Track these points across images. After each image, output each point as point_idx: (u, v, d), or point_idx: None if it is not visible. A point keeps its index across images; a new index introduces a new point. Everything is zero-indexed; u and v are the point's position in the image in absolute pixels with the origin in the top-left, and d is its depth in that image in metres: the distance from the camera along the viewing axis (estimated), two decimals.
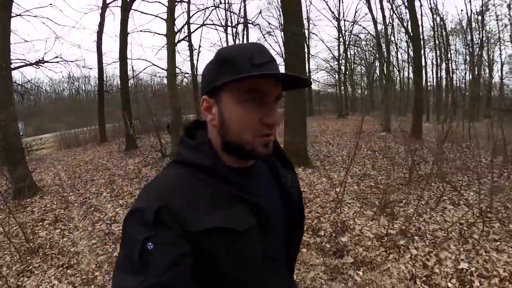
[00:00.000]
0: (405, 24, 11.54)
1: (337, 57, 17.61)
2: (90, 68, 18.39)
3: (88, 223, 3.21)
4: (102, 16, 10.05)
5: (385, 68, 11.42)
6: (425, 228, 2.47)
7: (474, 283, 1.87)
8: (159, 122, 6.82)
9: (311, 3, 19.47)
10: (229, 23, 12.81)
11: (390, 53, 14.02)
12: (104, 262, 2.35)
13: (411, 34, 9.27)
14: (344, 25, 18.44)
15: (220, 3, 10.63)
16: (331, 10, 21.63)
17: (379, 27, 12.07)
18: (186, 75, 11.24)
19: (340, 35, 17.32)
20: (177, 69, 9.75)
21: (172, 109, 5.80)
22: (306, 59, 15.98)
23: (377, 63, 19.32)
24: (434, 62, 18.87)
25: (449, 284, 1.89)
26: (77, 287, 2.10)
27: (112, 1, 9.99)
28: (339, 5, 20.24)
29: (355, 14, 23.57)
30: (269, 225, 0.56)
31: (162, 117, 6.96)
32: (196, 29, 10.86)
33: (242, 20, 12.47)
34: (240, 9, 12.94)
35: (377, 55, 15.65)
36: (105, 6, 9.91)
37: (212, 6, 10.72)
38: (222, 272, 0.50)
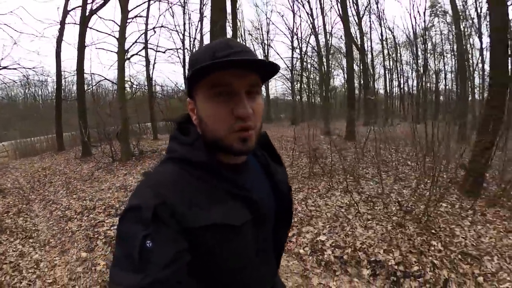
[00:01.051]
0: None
1: (290, 68, 19.42)
2: (48, 76, 18.44)
3: (47, 212, 4.20)
4: (62, 23, 10.25)
5: (324, 77, 13.21)
6: (302, 209, 3.26)
7: (326, 251, 2.34)
8: (111, 131, 7.82)
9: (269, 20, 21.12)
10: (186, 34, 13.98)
11: (329, 63, 15.90)
12: (58, 233, 3.41)
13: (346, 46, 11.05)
14: (297, 38, 20.23)
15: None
16: (286, 25, 23.43)
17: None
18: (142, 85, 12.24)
19: (293, 48, 19.14)
20: (129, 82, 10.74)
21: (121, 119, 6.86)
22: None
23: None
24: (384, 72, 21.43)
25: (301, 251, 2.39)
26: (36, 249, 3.15)
27: (73, 9, 10.17)
28: (293, 20, 21.93)
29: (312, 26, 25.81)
30: (262, 219, 0.59)
31: (114, 126, 7.96)
32: (140, 50, 11.72)
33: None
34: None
35: (316, 67, 17.57)
36: (65, 13, 10.11)
37: (160, 26, 11.81)
38: (219, 266, 0.52)
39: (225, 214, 0.52)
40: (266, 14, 19.81)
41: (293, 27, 19.63)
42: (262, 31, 20.98)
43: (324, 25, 14.67)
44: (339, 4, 11.60)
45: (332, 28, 16.51)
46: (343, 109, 17.36)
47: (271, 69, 0.53)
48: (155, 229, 0.45)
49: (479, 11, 12.13)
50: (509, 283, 1.86)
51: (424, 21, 18.19)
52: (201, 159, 0.53)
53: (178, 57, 18.34)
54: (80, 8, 9.59)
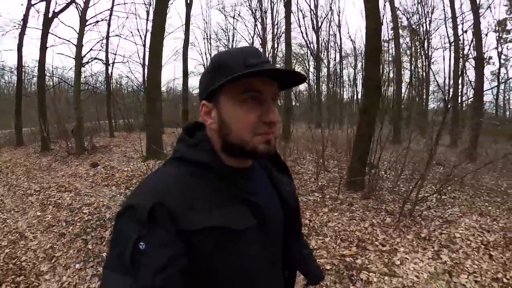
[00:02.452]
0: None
1: None
2: (3, 69, 18.42)
3: (11, 192, 5.57)
4: (26, 17, 10.86)
5: None
6: None
7: None
8: (68, 128, 9.15)
9: (233, 26, 22.61)
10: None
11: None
12: (20, 204, 4.81)
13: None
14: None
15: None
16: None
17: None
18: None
19: None
20: (86, 84, 12.00)
21: (76, 118, 8.24)
22: None
23: None
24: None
25: None
26: (4, 213, 4.55)
27: (36, 3, 10.78)
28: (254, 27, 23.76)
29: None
30: (268, 226, 0.58)
31: (72, 124, 9.28)
32: (96, 56, 12.97)
33: None
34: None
35: None
36: (29, 7, 10.74)
37: (116, 35, 13.01)
38: (217, 272, 0.51)
39: (226, 217, 0.51)
40: (233, 17, 21.16)
41: (254, 34, 21.40)
42: (228, 35, 22.56)
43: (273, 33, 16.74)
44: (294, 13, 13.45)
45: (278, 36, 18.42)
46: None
47: (290, 80, 0.57)
48: (150, 231, 0.45)
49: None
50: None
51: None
52: (205, 160, 0.55)
53: (138, 56, 19.51)
54: (44, 7, 10.54)
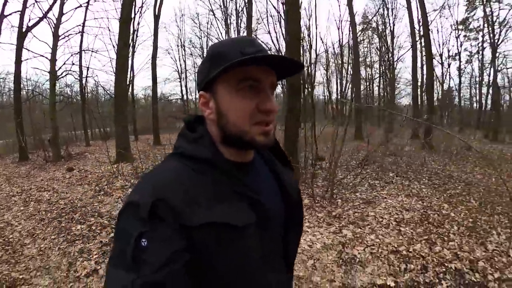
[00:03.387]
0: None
1: None
2: None
3: None
4: None
5: None
6: None
7: None
8: (45, 138, 10.08)
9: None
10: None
11: None
12: (5, 203, 5.78)
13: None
14: None
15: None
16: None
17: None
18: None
19: None
20: (61, 96, 12.86)
21: (52, 128, 9.20)
22: None
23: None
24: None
25: None
26: None
27: (10, 14, 11.01)
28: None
29: None
30: (268, 222, 0.60)
31: (46, 135, 10.21)
32: (69, 69, 13.94)
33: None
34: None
35: None
36: (2, 17, 10.95)
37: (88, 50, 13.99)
38: (218, 268, 0.52)
39: (227, 213, 0.52)
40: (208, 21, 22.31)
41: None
42: (202, 41, 23.71)
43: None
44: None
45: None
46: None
47: (288, 70, 0.58)
48: (152, 227, 0.46)
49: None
50: None
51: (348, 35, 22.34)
52: (205, 155, 0.55)
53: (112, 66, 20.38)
54: (18, 21, 11.27)
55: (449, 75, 23.37)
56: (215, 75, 0.54)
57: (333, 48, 24.57)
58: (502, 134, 15.30)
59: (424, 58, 16.89)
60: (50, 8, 11.01)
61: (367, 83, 27.21)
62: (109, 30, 16.09)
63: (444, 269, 2.77)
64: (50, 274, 2.76)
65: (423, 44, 14.69)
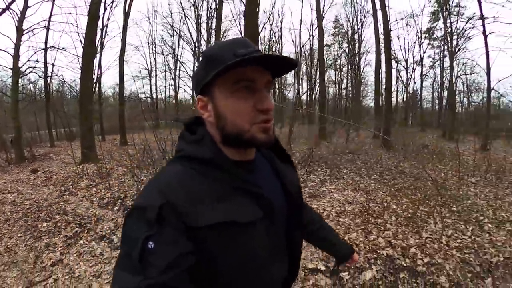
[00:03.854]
0: None
1: None
2: None
3: None
4: None
5: None
6: None
7: None
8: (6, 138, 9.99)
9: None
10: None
11: None
12: None
13: None
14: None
15: None
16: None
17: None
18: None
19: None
20: (23, 94, 12.66)
21: (14, 128, 9.18)
22: None
23: None
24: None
25: None
26: None
27: None
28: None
29: None
30: (274, 216, 0.63)
31: (8, 135, 10.12)
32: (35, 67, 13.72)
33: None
34: None
35: None
36: None
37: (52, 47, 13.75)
38: (225, 266, 0.54)
39: (232, 211, 0.55)
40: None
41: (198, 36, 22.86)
42: (173, 39, 23.71)
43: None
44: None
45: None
46: None
47: (282, 69, 0.60)
48: (158, 230, 0.48)
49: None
50: None
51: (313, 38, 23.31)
52: (208, 156, 0.58)
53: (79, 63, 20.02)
54: None
55: (413, 79, 25.17)
56: (210, 79, 0.57)
57: (304, 51, 25.41)
58: (458, 133, 16.85)
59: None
60: (14, 0, 10.83)
61: (336, 85, 28.66)
62: (77, 26, 15.75)
63: (376, 255, 3.09)
64: (17, 267, 3.10)
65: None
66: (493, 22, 13.95)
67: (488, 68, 14.78)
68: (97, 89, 16.02)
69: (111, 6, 15.50)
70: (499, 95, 20.17)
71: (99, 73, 16.05)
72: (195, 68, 0.72)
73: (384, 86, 15.05)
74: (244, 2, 6.13)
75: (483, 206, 4.96)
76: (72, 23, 18.74)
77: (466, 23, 17.75)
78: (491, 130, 17.79)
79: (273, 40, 24.44)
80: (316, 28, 17.28)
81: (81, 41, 14.15)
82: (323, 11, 17.76)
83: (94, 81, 15.10)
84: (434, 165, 8.41)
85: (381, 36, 14.87)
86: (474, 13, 15.28)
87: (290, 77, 26.56)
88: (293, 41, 39.88)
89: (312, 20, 22.26)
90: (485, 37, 14.31)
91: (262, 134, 0.58)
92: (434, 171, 7.69)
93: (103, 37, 16.15)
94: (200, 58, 0.62)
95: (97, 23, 9.32)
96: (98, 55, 15.94)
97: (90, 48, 8.70)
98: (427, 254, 3.21)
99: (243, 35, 6.42)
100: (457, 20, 18.47)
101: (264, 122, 0.58)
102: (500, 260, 3.22)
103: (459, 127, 18.07)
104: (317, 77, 21.20)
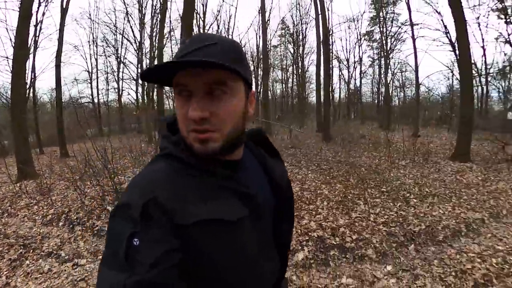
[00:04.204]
0: None
1: None
2: None
3: None
4: None
5: None
6: None
7: None
8: None
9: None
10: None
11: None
12: None
13: None
14: None
15: None
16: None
17: None
18: None
19: None
20: None
21: None
22: None
23: None
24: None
25: None
26: None
27: None
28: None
29: None
30: (260, 213, 0.64)
31: None
32: None
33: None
34: None
35: None
36: None
37: None
38: (214, 264, 0.54)
39: (219, 209, 0.55)
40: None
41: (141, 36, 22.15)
42: (117, 38, 22.64)
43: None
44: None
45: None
46: None
47: (220, 68, 0.52)
48: (143, 227, 0.48)
49: None
50: None
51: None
52: (187, 159, 0.58)
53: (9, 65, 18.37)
54: None
55: (354, 77, 27.92)
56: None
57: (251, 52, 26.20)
58: (392, 124, 18.85)
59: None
60: None
61: (283, 84, 30.00)
62: (6, 23, 14.28)
63: (307, 238, 3.48)
64: None
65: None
66: (421, 28, 16.35)
67: (416, 67, 16.81)
68: (31, 95, 14.79)
69: (47, 0, 14.32)
70: (428, 90, 23.05)
71: (33, 76, 14.79)
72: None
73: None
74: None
75: (410, 184, 5.78)
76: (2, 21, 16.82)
77: (399, 28, 21.14)
78: (422, 120, 20.23)
79: None
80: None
81: (11, 39, 13.00)
82: (270, 13, 18.50)
83: (28, 86, 14.00)
84: (370, 153, 9.43)
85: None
86: (407, 20, 17.78)
87: None
88: (240, 41, 40.46)
89: (259, 21, 22.93)
90: (414, 40, 16.46)
91: (197, 144, 0.56)
92: (369, 158, 8.71)
93: (37, 36, 14.86)
94: None
95: (30, 21, 8.48)
96: (31, 56, 14.67)
97: (22, 49, 8.11)
98: (355, 232, 3.62)
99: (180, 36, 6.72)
100: (391, 25, 21.72)
101: (195, 132, 0.56)
102: (422, 229, 3.79)
103: (393, 119, 20.21)
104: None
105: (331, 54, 23.27)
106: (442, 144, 11.14)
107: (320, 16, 14.23)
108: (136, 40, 21.12)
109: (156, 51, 14.87)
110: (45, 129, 17.52)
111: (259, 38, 23.53)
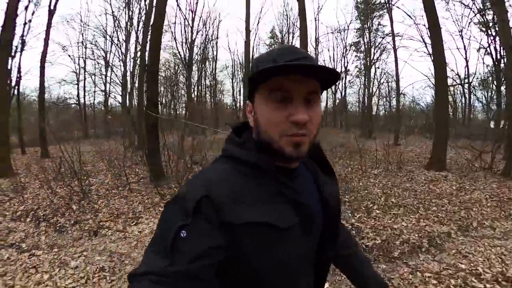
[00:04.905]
0: None
1: None
2: None
3: None
4: None
5: None
6: None
7: None
8: None
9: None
10: None
11: None
12: None
13: None
14: None
15: None
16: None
17: None
18: None
19: None
20: None
21: None
22: None
23: None
24: None
25: None
26: None
27: None
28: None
29: None
30: (311, 226, 0.65)
31: None
32: None
33: None
34: None
35: None
36: None
37: None
38: (253, 268, 0.56)
39: (270, 214, 0.57)
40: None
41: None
42: (106, 40, 23.06)
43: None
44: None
45: None
46: None
47: (332, 76, 0.58)
48: (193, 221, 0.52)
49: None
50: None
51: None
52: (252, 159, 0.61)
53: None
54: None
55: (339, 87, 28.91)
56: (251, 87, 0.62)
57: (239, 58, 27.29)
58: (377, 132, 19.58)
59: None
60: None
61: None
62: None
63: None
64: None
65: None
66: (401, 39, 17.01)
67: (397, 76, 17.37)
68: (15, 95, 15.05)
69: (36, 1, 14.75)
70: (413, 99, 24.01)
71: (18, 76, 15.04)
72: None
73: None
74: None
75: (377, 194, 5.66)
76: None
77: (383, 38, 21.90)
78: (406, 128, 20.94)
79: (209, 47, 25.51)
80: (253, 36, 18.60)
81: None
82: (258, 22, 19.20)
83: (13, 84, 14.30)
84: (345, 161, 9.62)
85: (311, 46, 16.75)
86: (390, 31, 18.26)
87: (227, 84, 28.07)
88: (229, 48, 41.54)
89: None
90: (395, 50, 17.21)
91: (290, 148, 0.58)
92: (342, 166, 8.86)
93: (25, 35, 15.24)
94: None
95: (15, 22, 8.83)
96: (18, 55, 15.00)
97: (4, 50, 8.59)
98: None
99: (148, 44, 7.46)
100: (375, 36, 22.62)
101: (294, 136, 0.58)
102: (376, 243, 3.62)
103: (378, 128, 20.92)
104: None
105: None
106: (421, 152, 11.19)
107: (300, 27, 14.88)
108: (120, 45, 21.53)
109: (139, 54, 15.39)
110: (30, 129, 17.80)
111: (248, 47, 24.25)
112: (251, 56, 17.66)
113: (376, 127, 24.85)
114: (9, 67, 13.10)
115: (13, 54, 14.40)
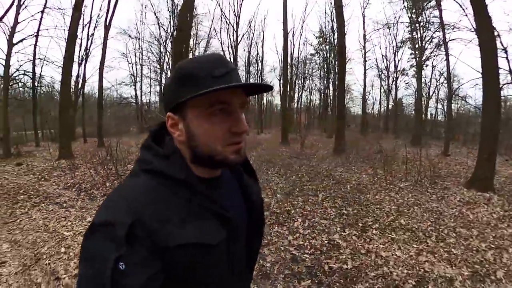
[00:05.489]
0: None
1: None
2: None
3: None
4: None
5: None
6: None
7: None
8: None
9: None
10: None
11: None
12: None
13: None
14: None
15: None
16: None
17: None
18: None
19: None
20: (14, 99, 14.89)
21: (4, 128, 11.41)
22: None
23: None
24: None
25: None
26: None
27: None
28: None
29: None
30: (236, 236, 0.67)
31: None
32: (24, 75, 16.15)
33: None
34: None
35: None
36: None
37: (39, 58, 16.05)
38: (193, 284, 0.57)
39: (201, 233, 0.57)
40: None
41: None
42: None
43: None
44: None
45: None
46: None
47: (258, 89, 0.66)
48: (129, 250, 0.48)
49: None
50: None
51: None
52: (180, 176, 0.58)
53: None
54: None
55: (390, 88, 26.15)
56: (186, 100, 0.57)
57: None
58: (425, 138, 17.72)
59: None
60: (4, 15, 12.85)
61: (321, 94, 31.35)
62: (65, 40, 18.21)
63: None
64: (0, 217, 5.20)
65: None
66: (453, 30, 14.46)
67: (448, 74, 15.45)
68: (80, 96, 18.58)
69: (96, 20, 17.96)
70: (475, 102, 20.44)
71: (82, 82, 18.60)
72: (166, 80, 0.67)
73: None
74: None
75: (388, 212, 4.67)
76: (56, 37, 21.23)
77: (435, 32, 18.47)
78: (465, 135, 18.98)
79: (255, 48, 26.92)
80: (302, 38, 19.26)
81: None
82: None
83: (79, 87, 17.88)
84: (375, 169, 8.46)
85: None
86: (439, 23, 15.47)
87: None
88: (276, 50, 42.63)
89: (294, 30, 24.37)
90: (445, 44, 14.84)
91: (234, 155, 0.61)
92: (369, 175, 7.80)
93: (89, 48, 18.62)
94: (174, 71, 0.62)
95: (75, 40, 11.45)
96: (83, 63, 18.47)
97: (68, 63, 10.87)
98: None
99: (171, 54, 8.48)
100: (426, 30, 19.41)
101: (237, 144, 0.61)
102: (343, 268, 2.90)
103: (435, 133, 19.37)
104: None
105: (365, 62, 24.34)
106: (472, 166, 8.48)
107: (337, 26, 14.63)
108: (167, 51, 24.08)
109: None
110: (94, 123, 21.10)
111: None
112: (289, 60, 18.45)
113: (435, 133, 23.29)
114: (76, 73, 16.68)
115: (79, 62, 17.72)
